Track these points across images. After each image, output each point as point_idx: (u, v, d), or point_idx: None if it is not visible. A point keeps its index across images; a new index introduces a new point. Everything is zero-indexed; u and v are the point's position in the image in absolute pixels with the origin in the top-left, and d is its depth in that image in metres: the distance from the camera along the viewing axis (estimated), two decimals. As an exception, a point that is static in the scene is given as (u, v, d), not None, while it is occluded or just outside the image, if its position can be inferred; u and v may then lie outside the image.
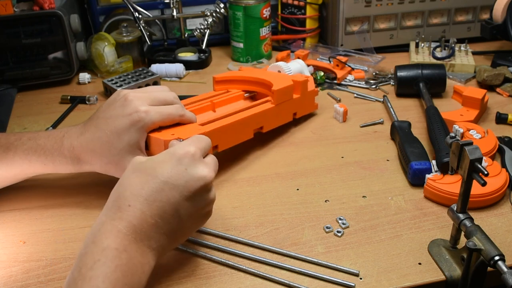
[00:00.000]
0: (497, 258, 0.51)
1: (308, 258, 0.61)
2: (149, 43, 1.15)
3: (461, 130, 0.81)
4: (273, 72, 0.95)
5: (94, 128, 0.67)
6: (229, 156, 0.82)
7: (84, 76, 1.11)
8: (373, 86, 1.05)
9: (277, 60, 1.10)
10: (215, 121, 0.75)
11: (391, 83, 1.07)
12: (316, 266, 0.61)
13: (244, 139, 0.80)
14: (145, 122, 0.65)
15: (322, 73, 1.06)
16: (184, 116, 0.71)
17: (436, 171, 0.73)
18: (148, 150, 0.69)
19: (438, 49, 1.14)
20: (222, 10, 1.17)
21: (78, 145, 0.67)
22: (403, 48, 1.21)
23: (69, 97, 1.03)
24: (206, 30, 1.18)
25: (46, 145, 0.68)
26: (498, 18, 1.08)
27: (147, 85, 1.03)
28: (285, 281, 0.58)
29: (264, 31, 1.17)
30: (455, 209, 0.58)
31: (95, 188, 0.76)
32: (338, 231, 0.66)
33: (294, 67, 0.98)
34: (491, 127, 0.88)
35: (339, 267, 0.60)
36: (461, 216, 0.57)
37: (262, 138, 0.87)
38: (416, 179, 0.73)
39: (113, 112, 0.66)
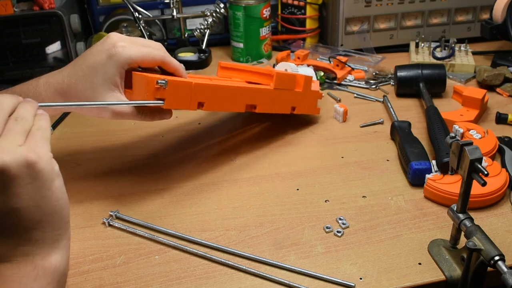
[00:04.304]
0: (497, 258, 0.51)
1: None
2: (149, 43, 1.15)
3: (461, 130, 0.81)
4: (279, 69, 0.95)
5: (72, 65, 0.67)
6: (229, 156, 0.82)
7: (84, 76, 1.10)
8: (373, 86, 1.05)
9: (277, 60, 1.11)
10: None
11: (391, 83, 1.06)
12: (316, 266, 0.61)
13: (233, 109, 0.77)
14: (121, 56, 0.65)
15: (322, 73, 1.06)
16: (165, 58, 0.69)
17: (436, 171, 0.73)
18: (131, 89, 0.68)
19: (438, 49, 1.14)
20: (222, 10, 1.17)
21: (54, 81, 0.67)
22: (403, 48, 1.21)
23: (69, 97, 1.03)
24: (206, 30, 1.19)
25: (22, 89, 0.68)
26: (498, 18, 1.08)
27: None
28: (285, 281, 0.58)
29: (264, 31, 1.17)
30: (455, 209, 0.58)
31: (95, 188, 0.76)
32: (338, 231, 0.66)
33: (302, 70, 0.99)
34: (491, 127, 0.88)
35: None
36: (461, 216, 0.57)
37: (262, 138, 0.87)
38: (416, 179, 0.73)
39: (93, 49, 0.67)
